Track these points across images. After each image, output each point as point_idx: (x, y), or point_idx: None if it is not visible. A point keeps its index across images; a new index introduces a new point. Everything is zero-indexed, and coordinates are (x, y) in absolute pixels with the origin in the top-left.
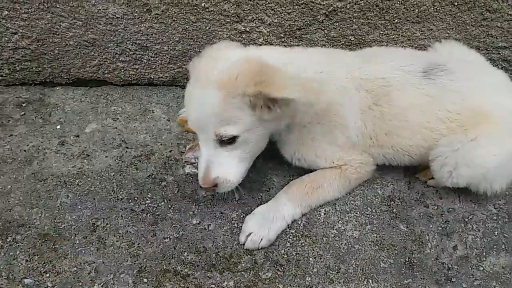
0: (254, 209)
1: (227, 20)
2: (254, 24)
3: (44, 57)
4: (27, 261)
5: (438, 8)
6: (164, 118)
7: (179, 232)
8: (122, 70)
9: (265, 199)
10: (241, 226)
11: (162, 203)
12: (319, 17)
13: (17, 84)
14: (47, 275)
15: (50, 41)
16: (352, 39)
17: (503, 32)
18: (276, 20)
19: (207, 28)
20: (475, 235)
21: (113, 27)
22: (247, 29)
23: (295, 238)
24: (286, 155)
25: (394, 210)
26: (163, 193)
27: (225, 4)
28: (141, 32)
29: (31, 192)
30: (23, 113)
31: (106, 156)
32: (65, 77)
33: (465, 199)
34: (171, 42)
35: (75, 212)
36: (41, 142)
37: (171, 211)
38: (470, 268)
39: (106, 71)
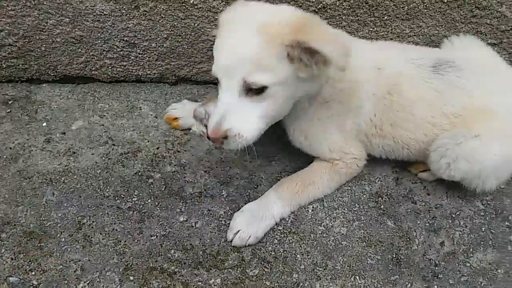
0: (241, 206)
1: (216, 17)
2: None
3: (30, 54)
4: (12, 259)
5: (427, 5)
6: (151, 115)
7: (166, 229)
8: (110, 67)
9: (253, 196)
10: (229, 224)
11: (149, 200)
12: None
13: (3, 81)
14: (33, 273)
15: (37, 38)
16: None
17: (493, 29)
18: None
19: (196, 25)
20: (462, 231)
21: (101, 24)
22: None
23: (282, 235)
24: (293, 133)
25: (382, 207)
26: (150, 190)
27: (214, 1)
28: (129, 29)
29: (16, 190)
30: (9, 110)
31: (93, 154)
32: (52, 74)
33: (453, 195)
34: (159, 39)
35: (61, 210)
36: (27, 139)
37: (158, 208)
38: (457, 264)
39: (93, 68)
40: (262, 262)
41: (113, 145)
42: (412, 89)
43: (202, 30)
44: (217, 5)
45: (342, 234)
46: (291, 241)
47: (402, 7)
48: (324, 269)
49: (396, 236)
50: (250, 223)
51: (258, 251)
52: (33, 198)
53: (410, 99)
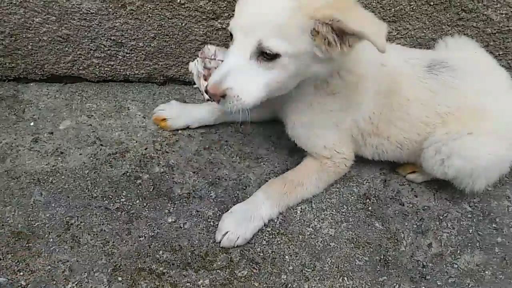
0: (230, 207)
1: (203, 17)
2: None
3: (17, 52)
4: (0, 259)
5: (414, 8)
6: (139, 115)
7: (154, 230)
8: (97, 67)
9: (241, 197)
10: (217, 225)
11: (137, 201)
12: None
13: None
14: (21, 273)
15: (23, 36)
16: None
17: (479, 32)
18: None
19: (183, 24)
20: (450, 233)
21: (87, 22)
22: (223, 26)
23: (271, 236)
24: (294, 125)
25: (370, 208)
26: (138, 191)
27: (201, 1)
28: (116, 28)
29: (4, 190)
30: None
31: (81, 154)
32: (39, 73)
33: (440, 197)
34: (146, 38)
35: (48, 210)
36: (14, 139)
37: (146, 209)
38: (444, 265)
39: (80, 67)
40: (251, 263)
41: (101, 145)
42: (410, 88)
43: (190, 29)
44: (204, 4)
45: (330, 235)
46: (279, 242)
47: (389, 9)
48: (313, 270)
49: (384, 238)
50: (238, 224)
51: (247, 252)
52: (21, 198)
53: (407, 99)
